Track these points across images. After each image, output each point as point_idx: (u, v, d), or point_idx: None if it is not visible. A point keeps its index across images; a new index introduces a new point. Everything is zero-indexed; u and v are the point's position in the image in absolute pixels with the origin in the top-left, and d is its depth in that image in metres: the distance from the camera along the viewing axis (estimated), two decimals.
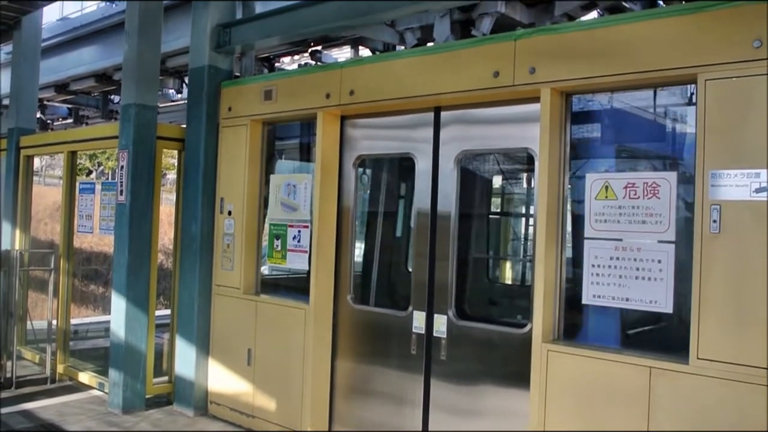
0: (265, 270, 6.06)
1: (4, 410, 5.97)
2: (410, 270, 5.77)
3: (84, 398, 6.48)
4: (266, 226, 5.82)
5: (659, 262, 3.51)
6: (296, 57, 8.82)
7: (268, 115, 5.72)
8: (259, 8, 6.65)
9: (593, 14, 5.60)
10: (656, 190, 3.55)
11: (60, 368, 7.11)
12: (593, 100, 4.08)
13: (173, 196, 6.82)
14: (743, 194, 3.20)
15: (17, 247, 8.02)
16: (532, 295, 3.96)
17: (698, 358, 3.30)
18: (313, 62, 8.22)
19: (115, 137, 6.26)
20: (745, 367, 3.15)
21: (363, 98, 4.97)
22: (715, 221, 3.27)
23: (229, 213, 5.91)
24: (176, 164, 6.54)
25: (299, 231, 5.42)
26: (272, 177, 5.90)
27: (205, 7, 6.11)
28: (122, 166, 6.09)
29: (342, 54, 8.51)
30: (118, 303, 6.03)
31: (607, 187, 3.71)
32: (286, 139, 6.27)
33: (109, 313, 6.27)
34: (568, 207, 4.07)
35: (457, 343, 4.54)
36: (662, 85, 3.78)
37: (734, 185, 3.22)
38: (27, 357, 7.81)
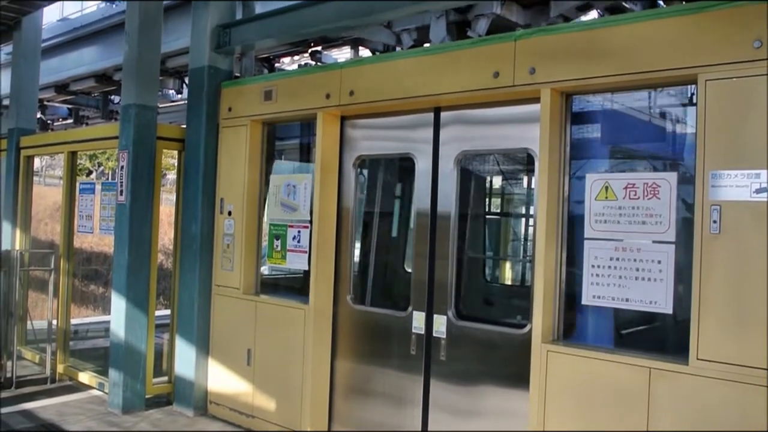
0: (264, 270, 6.06)
1: (4, 410, 5.97)
2: (407, 270, 5.78)
3: (84, 398, 6.48)
4: (265, 226, 5.83)
5: (659, 262, 3.51)
6: (296, 57, 8.83)
7: (268, 115, 5.72)
8: (259, 8, 6.65)
9: (589, 15, 5.61)
10: (656, 191, 3.54)
11: (60, 368, 7.11)
12: (593, 100, 4.07)
13: (173, 197, 6.82)
14: (743, 195, 3.19)
15: (17, 247, 8.02)
16: (532, 296, 3.96)
17: (698, 359, 3.29)
18: (313, 62, 8.23)
19: (115, 137, 6.26)
20: (745, 368, 3.14)
21: (363, 98, 4.97)
22: (715, 222, 3.26)
23: (229, 213, 5.91)
24: (176, 164, 6.54)
25: (299, 231, 5.42)
26: (272, 177, 5.90)
27: (205, 7, 6.11)
28: (122, 167, 6.09)
29: (342, 54, 8.51)
30: (118, 303, 6.03)
31: (607, 188, 3.71)
32: (286, 139, 6.27)
33: (109, 313, 6.27)
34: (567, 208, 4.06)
35: (456, 343, 4.54)
36: (662, 85, 3.78)
37: (734, 186, 3.22)
38: (27, 357, 7.81)
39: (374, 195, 5.98)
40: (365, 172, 5.82)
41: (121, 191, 6.06)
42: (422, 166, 4.81)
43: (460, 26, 5.55)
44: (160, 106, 8.19)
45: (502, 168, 5.85)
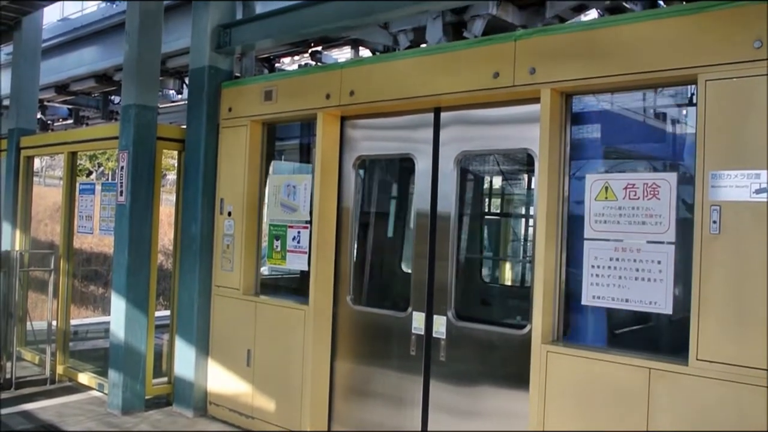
0: (264, 270, 6.05)
1: (4, 411, 5.97)
2: (405, 270, 5.78)
3: (83, 399, 6.48)
4: (265, 226, 5.82)
5: (659, 263, 3.51)
6: (296, 57, 8.84)
7: (268, 115, 5.72)
8: (259, 9, 6.65)
9: (584, 15, 5.62)
10: (656, 191, 3.54)
11: (60, 369, 7.10)
12: (593, 100, 4.07)
13: (173, 197, 6.82)
14: (743, 195, 3.19)
15: (17, 247, 8.02)
16: (532, 296, 3.95)
17: (698, 359, 3.29)
18: (314, 63, 8.23)
19: (116, 138, 6.26)
20: (745, 368, 3.14)
21: (363, 99, 4.96)
22: (715, 222, 3.26)
23: (229, 214, 5.90)
24: (176, 165, 6.54)
25: (299, 232, 5.41)
26: (272, 178, 5.90)
27: (205, 7, 6.11)
28: (122, 167, 6.09)
29: (342, 54, 8.52)
30: (118, 304, 6.02)
31: (607, 188, 3.71)
32: (287, 139, 6.27)
33: (109, 314, 6.26)
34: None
35: (456, 344, 4.53)
36: (663, 85, 3.78)
37: (734, 186, 3.22)
38: (27, 358, 7.80)
39: (371, 195, 5.97)
40: (360, 172, 5.80)
41: (121, 192, 6.06)
42: (422, 167, 4.80)
43: (456, 27, 5.56)
44: (161, 106, 8.20)
45: (502, 168, 5.85)
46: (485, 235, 6.37)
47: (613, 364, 3.60)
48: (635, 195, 3.60)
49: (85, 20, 10.85)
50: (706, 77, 3.34)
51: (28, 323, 7.90)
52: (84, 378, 6.88)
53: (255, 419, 5.61)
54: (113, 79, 10.75)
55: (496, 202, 6.46)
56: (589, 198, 3.78)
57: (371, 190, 5.94)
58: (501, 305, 6.03)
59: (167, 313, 6.82)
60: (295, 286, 5.97)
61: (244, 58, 6.62)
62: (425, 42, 5.81)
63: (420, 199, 4.80)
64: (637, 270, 3.58)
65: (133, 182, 5.99)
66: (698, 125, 3.36)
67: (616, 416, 3.57)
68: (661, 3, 5.48)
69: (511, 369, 4.21)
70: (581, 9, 5.48)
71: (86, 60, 10.72)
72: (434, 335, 4.63)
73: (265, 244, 5.82)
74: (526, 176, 5.85)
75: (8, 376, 6.81)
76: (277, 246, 5.58)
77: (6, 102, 8.88)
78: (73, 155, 7.46)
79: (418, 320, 4.72)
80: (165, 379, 6.44)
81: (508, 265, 6.51)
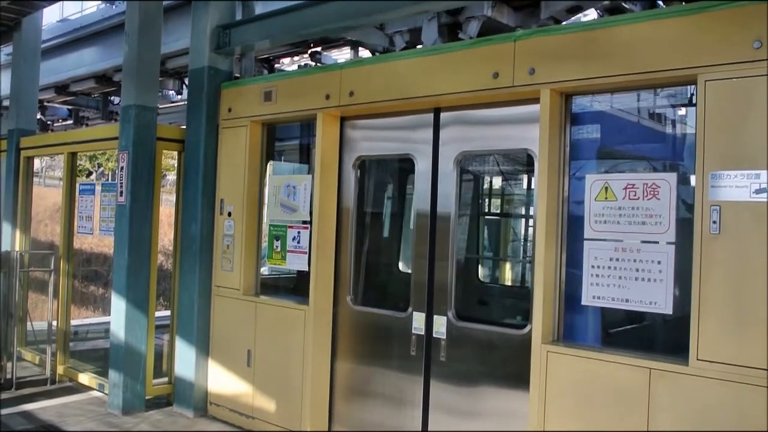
0: (264, 270, 6.06)
1: (4, 411, 5.97)
2: (402, 270, 5.78)
3: (84, 399, 6.48)
4: (265, 227, 5.82)
5: (659, 263, 3.51)
6: (296, 58, 8.84)
7: (267, 116, 5.72)
8: (259, 9, 6.65)
9: (579, 16, 5.63)
10: (656, 191, 3.54)
11: (60, 369, 7.11)
12: (593, 100, 4.07)
13: (173, 197, 6.82)
14: (743, 195, 3.19)
15: (17, 248, 8.02)
16: (532, 297, 3.95)
17: (698, 359, 3.29)
18: (313, 63, 8.23)
19: (115, 138, 6.26)
20: (745, 368, 3.14)
21: (363, 99, 4.97)
22: (715, 222, 3.26)
23: (229, 214, 5.91)
24: (176, 165, 6.54)
25: (299, 232, 5.42)
26: (271, 178, 5.90)
27: (204, 8, 6.11)
28: (122, 168, 6.09)
29: (342, 55, 8.52)
30: (118, 304, 6.03)
31: (606, 188, 3.71)
32: (286, 140, 6.27)
33: (109, 314, 6.27)
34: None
35: (456, 344, 4.54)
36: (662, 86, 3.78)
37: (734, 186, 3.22)
38: (27, 358, 7.81)
39: (371, 195, 5.97)
40: (357, 173, 5.80)
41: (121, 192, 6.06)
42: (422, 167, 4.80)
43: (452, 28, 5.58)
44: (160, 106, 8.19)
45: (501, 168, 5.85)
46: (485, 235, 6.37)
47: (613, 364, 3.60)
48: (635, 195, 3.60)
49: (84, 21, 10.85)
50: (705, 77, 3.34)
51: (29, 323, 7.90)
52: (84, 378, 6.88)
53: (255, 419, 5.61)
54: (113, 79, 10.76)
55: (496, 202, 6.46)
56: (588, 198, 3.78)
57: (371, 191, 5.94)
58: (501, 305, 6.04)
59: (167, 313, 6.83)
60: (294, 286, 5.99)
61: (244, 58, 6.62)
62: (421, 43, 5.82)
63: (420, 200, 4.81)
64: (637, 270, 3.58)
65: (133, 183, 5.99)
66: (698, 125, 3.36)
67: (617, 416, 3.58)
68: (661, 3, 5.48)
69: (511, 369, 4.22)
70: (576, 10, 5.49)
71: (86, 61, 10.72)
72: (434, 335, 4.63)
73: (265, 244, 5.83)
74: (525, 176, 5.86)
75: (9, 376, 6.81)
76: (277, 246, 5.58)
77: (6, 102, 8.89)
78: (73, 156, 7.46)
79: (418, 320, 4.72)
80: (165, 379, 6.44)
81: (508, 266, 6.51)
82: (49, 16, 11.43)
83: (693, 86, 3.50)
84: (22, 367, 7.36)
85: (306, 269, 5.32)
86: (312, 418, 5.20)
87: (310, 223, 5.28)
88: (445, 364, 4.58)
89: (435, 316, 4.63)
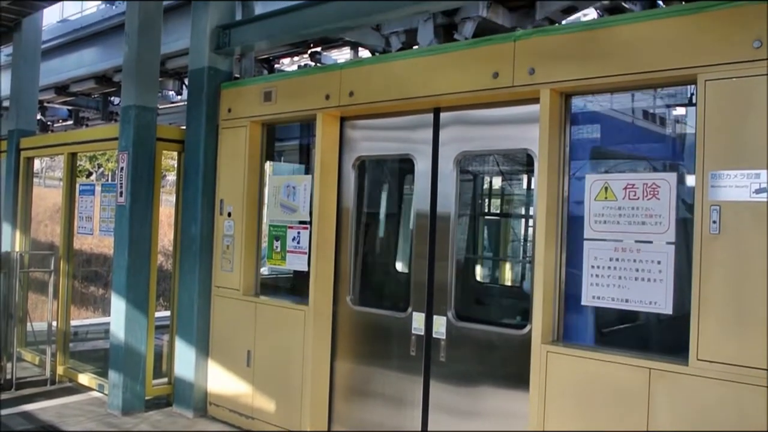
0: (264, 270, 6.06)
1: (4, 412, 5.97)
2: (399, 270, 5.77)
3: (84, 400, 6.48)
4: (265, 227, 5.82)
5: (659, 263, 3.51)
6: (296, 58, 8.84)
7: (267, 116, 5.72)
8: (259, 9, 6.65)
9: (583, 16, 5.64)
10: (656, 191, 3.54)
11: (60, 370, 7.10)
12: (592, 101, 4.07)
13: (173, 198, 6.82)
14: (743, 195, 3.19)
15: (17, 248, 8.02)
16: (532, 297, 3.95)
17: (698, 359, 3.29)
18: (313, 63, 8.24)
19: (115, 139, 6.26)
20: (745, 368, 3.14)
21: (362, 99, 4.96)
22: (714, 222, 3.26)
23: (229, 214, 5.91)
24: (176, 166, 6.54)
25: (299, 232, 5.42)
26: (271, 178, 5.90)
27: (204, 8, 6.11)
28: (122, 168, 6.09)
29: (342, 55, 8.53)
30: (118, 304, 6.02)
31: (606, 188, 3.71)
32: (286, 140, 6.27)
33: (109, 315, 6.26)
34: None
35: (456, 344, 4.53)
36: (662, 85, 3.78)
37: (734, 186, 3.22)
38: (27, 359, 7.80)
39: (371, 195, 5.97)
40: (357, 173, 5.80)
41: (121, 192, 6.06)
42: (422, 167, 4.80)
43: (447, 29, 5.59)
44: (160, 107, 8.20)
45: (501, 168, 5.85)
46: (485, 235, 6.37)
47: (613, 364, 3.60)
48: (635, 195, 3.60)
49: (84, 21, 10.86)
50: (705, 77, 3.34)
51: (29, 324, 7.90)
52: (84, 379, 6.88)
53: (255, 420, 5.61)
54: (113, 80, 10.77)
55: (496, 202, 6.46)
56: (588, 198, 3.78)
57: (371, 191, 5.94)
58: (501, 305, 6.03)
59: (167, 313, 6.82)
60: (290, 286, 5.98)
61: (244, 58, 6.62)
62: (417, 44, 5.83)
63: (420, 200, 4.80)
64: (637, 270, 3.58)
65: (133, 183, 5.99)
66: (698, 125, 3.36)
67: (616, 416, 3.57)
68: (661, 3, 5.49)
69: (511, 369, 4.21)
70: (571, 11, 5.51)
71: (86, 61, 10.74)
72: (434, 335, 4.63)
73: (264, 244, 5.82)
74: (525, 176, 5.85)
75: (8, 376, 6.81)
76: (276, 246, 5.58)
77: (6, 103, 8.89)
78: (72, 156, 7.46)
79: (418, 320, 4.72)
80: (165, 379, 6.44)
81: (507, 266, 6.51)
82: (49, 16, 11.45)
83: (693, 86, 3.50)
84: (21, 368, 7.36)
85: (305, 269, 5.32)
86: (312, 418, 5.20)
87: (310, 223, 5.28)
88: (444, 364, 4.57)
89: (435, 316, 4.63)
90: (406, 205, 5.86)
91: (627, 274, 3.61)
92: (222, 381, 5.93)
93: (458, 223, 4.67)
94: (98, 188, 7.25)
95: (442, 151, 4.69)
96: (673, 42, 3.47)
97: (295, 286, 5.87)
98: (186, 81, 8.88)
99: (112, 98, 12.58)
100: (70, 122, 14.34)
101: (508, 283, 6.34)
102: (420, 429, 4.71)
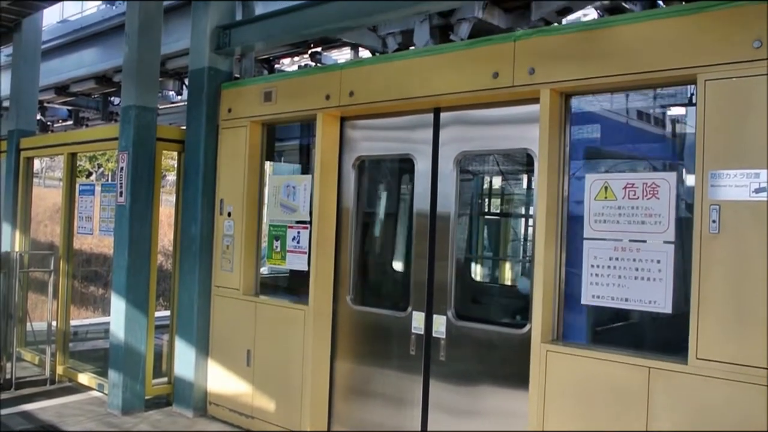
0: (264, 270, 6.06)
1: (4, 411, 5.97)
2: (395, 270, 5.78)
3: (83, 399, 6.48)
4: (265, 227, 5.82)
5: (658, 262, 3.51)
6: (296, 58, 8.85)
7: (267, 116, 5.72)
8: (259, 9, 6.66)
9: (584, 16, 5.65)
10: (655, 191, 3.55)
11: (59, 369, 7.10)
12: (592, 101, 4.08)
13: (173, 198, 6.82)
14: (743, 194, 3.20)
15: (17, 248, 8.02)
16: (531, 296, 3.96)
17: (697, 358, 3.30)
18: (313, 63, 8.25)
19: (115, 139, 6.26)
20: (745, 367, 3.14)
21: (363, 99, 4.97)
22: (714, 221, 3.27)
23: (229, 214, 5.91)
24: (176, 166, 6.54)
25: (298, 232, 5.42)
26: (271, 178, 5.90)
27: (204, 8, 6.11)
28: (122, 168, 6.09)
29: (342, 55, 8.54)
30: (118, 304, 6.02)
31: (606, 188, 3.72)
32: (286, 140, 6.27)
33: (109, 315, 6.27)
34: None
35: (456, 343, 4.54)
36: (662, 85, 3.79)
37: (734, 185, 3.22)
38: (27, 358, 7.80)
39: (371, 195, 5.97)
40: (357, 173, 5.80)
41: (121, 192, 6.06)
42: (422, 167, 4.81)
43: (443, 30, 5.61)
44: (160, 107, 8.20)
45: (501, 168, 5.85)
46: (485, 234, 6.37)
47: (612, 363, 3.60)
48: (635, 195, 3.61)
49: (84, 22, 10.87)
50: (705, 77, 3.34)
51: (28, 324, 7.90)
52: (84, 378, 6.88)
53: (255, 419, 5.61)
54: (113, 80, 10.78)
55: (496, 202, 6.46)
56: (588, 198, 3.78)
57: (371, 191, 5.95)
58: (501, 305, 6.03)
59: (167, 313, 6.83)
60: (287, 285, 5.98)
61: (244, 59, 6.62)
62: (413, 45, 5.85)
63: (420, 200, 4.81)
64: (637, 269, 3.59)
65: (133, 183, 5.99)
66: (697, 125, 3.36)
67: (616, 415, 3.58)
68: (661, 3, 5.50)
69: (510, 368, 4.22)
70: (566, 11, 5.52)
71: (86, 61, 10.74)
72: (434, 335, 4.63)
73: (264, 244, 5.83)
74: (525, 176, 5.86)
75: (8, 376, 6.81)
76: (276, 246, 5.59)
77: (6, 103, 8.89)
78: (72, 156, 7.46)
79: (417, 320, 4.73)
80: (165, 379, 6.44)
81: (507, 265, 6.51)
82: (49, 17, 11.45)
83: (693, 86, 3.51)
84: (21, 368, 7.36)
85: (305, 269, 5.32)
86: (312, 417, 5.20)
87: (310, 223, 5.28)
88: (444, 363, 4.58)
89: (434, 316, 4.64)
90: (406, 204, 5.86)
91: (627, 274, 3.62)
92: (222, 380, 5.93)
93: (458, 222, 4.67)
94: (98, 188, 7.25)
95: (442, 151, 4.70)
96: (673, 42, 3.48)
97: (288, 285, 5.88)
98: (186, 81, 8.89)
99: (112, 98, 12.59)
100: (70, 122, 14.35)
101: (508, 282, 6.34)
102: (420, 428, 4.71)
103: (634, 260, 3.60)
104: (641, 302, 3.57)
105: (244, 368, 5.70)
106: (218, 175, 6.05)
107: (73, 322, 7.50)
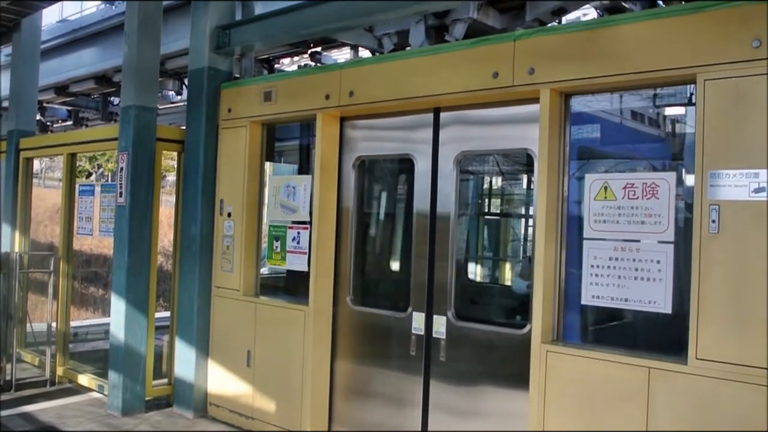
0: (264, 270, 6.06)
1: (4, 413, 5.96)
2: (401, 271, 5.77)
3: (83, 401, 6.48)
4: (265, 227, 5.82)
5: (658, 262, 3.51)
6: (296, 58, 8.85)
7: (267, 116, 5.72)
8: (259, 9, 6.66)
9: (566, 18, 5.66)
10: (655, 191, 3.55)
11: (59, 371, 7.10)
12: (592, 100, 4.08)
13: (173, 198, 6.82)
14: (742, 194, 3.20)
15: (17, 249, 8.02)
16: (532, 296, 3.96)
17: (697, 359, 3.29)
18: (313, 63, 8.24)
19: (115, 139, 6.26)
20: (745, 367, 3.14)
21: (362, 99, 4.97)
22: (714, 221, 3.26)
23: (229, 215, 5.91)
24: (176, 166, 6.54)
25: (298, 232, 5.42)
26: (271, 178, 5.90)
27: (204, 8, 6.11)
28: (122, 168, 6.09)
29: (342, 55, 8.54)
30: (118, 305, 6.02)
31: (606, 188, 3.71)
32: (286, 140, 6.27)
33: (109, 316, 6.26)
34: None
35: (456, 344, 4.54)
36: (662, 85, 3.78)
37: (733, 185, 3.22)
38: (26, 359, 7.80)
39: (371, 195, 5.97)
40: (357, 173, 5.79)
41: (121, 193, 6.06)
42: (422, 167, 4.80)
43: (439, 31, 5.61)
44: (160, 107, 8.20)
45: (501, 168, 5.85)
46: (485, 235, 6.37)
47: (612, 363, 3.60)
48: (634, 195, 3.61)
49: (84, 21, 10.86)
50: (704, 77, 3.34)
51: (28, 325, 7.90)
52: (84, 379, 6.88)
53: (255, 420, 5.61)
54: (112, 80, 10.77)
55: (496, 202, 6.46)
56: (588, 198, 3.78)
57: (371, 191, 5.94)
58: (501, 305, 6.03)
59: (167, 314, 6.82)
60: (284, 285, 5.98)
61: (244, 59, 6.62)
62: (409, 45, 5.85)
63: (420, 200, 4.81)
64: (637, 269, 3.59)
65: (133, 183, 5.99)
66: (697, 125, 3.36)
67: (616, 416, 3.57)
68: (661, 3, 5.50)
69: (511, 369, 4.22)
70: (561, 12, 5.52)
71: (85, 61, 10.73)
72: (434, 335, 4.63)
73: (264, 245, 5.82)
74: (525, 176, 5.86)
75: (8, 377, 6.81)
76: (276, 247, 5.58)
77: (5, 103, 8.88)
78: (72, 156, 7.46)
79: (418, 320, 4.72)
80: (165, 380, 6.43)
81: (507, 265, 6.51)
82: (49, 16, 11.43)
83: (692, 86, 3.50)
84: (21, 369, 7.35)
85: (305, 270, 5.32)
86: (312, 418, 5.20)
87: (310, 223, 5.28)
88: (444, 363, 4.58)
89: (435, 316, 4.63)
90: (406, 204, 5.86)
91: (626, 274, 3.62)
92: (222, 381, 5.93)
93: (458, 223, 4.67)
94: (98, 189, 7.24)
95: (442, 151, 4.70)
96: (672, 42, 3.48)
97: (294, 287, 5.86)
98: (186, 81, 8.87)
99: (112, 98, 12.58)
100: (69, 122, 14.34)
101: (508, 283, 6.34)
102: (420, 429, 4.71)
103: (634, 260, 3.60)
104: (641, 302, 3.57)
105: (244, 369, 5.70)
106: (218, 176, 6.05)
107: (73, 323, 7.49)
